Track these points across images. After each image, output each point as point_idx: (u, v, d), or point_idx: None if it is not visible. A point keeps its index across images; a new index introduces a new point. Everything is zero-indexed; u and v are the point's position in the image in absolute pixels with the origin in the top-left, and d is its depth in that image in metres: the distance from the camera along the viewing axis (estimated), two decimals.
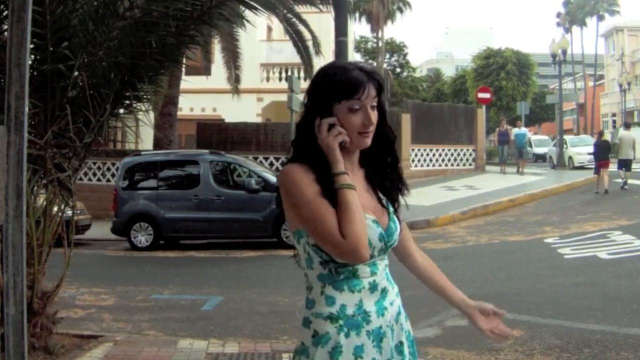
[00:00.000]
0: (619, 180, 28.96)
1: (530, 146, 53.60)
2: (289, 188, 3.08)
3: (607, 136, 30.90)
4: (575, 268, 13.70)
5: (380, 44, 68.58)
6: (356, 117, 3.08)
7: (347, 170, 3.10)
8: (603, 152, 28.61)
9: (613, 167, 29.64)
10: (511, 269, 14.14)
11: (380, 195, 3.28)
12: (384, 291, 3.18)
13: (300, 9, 30.44)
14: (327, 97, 3.10)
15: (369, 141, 3.13)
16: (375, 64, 71.02)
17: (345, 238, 2.93)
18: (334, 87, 3.10)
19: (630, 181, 28.64)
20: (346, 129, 3.08)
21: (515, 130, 37.96)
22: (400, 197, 3.37)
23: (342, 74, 3.10)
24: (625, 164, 28.95)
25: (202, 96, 37.26)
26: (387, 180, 3.32)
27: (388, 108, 27.14)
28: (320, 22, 38.10)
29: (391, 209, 3.28)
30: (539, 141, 61.78)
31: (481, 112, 40.47)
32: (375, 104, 3.12)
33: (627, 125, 34.32)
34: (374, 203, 3.22)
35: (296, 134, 3.25)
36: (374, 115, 3.11)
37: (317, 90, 3.17)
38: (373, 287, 3.13)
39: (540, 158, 56.31)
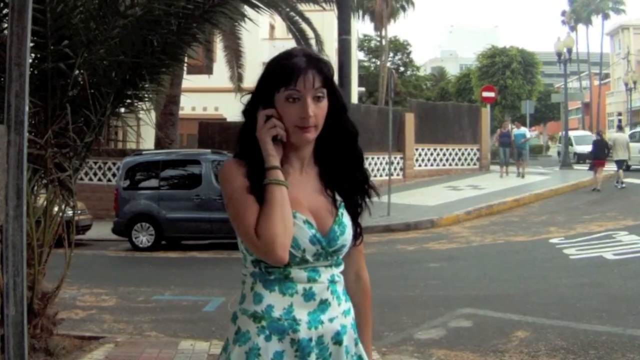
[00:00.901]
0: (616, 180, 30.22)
1: (571, 144, 51.51)
2: (221, 181, 2.97)
3: (622, 136, 32.31)
4: (581, 269, 13.70)
5: (383, 42, 68.60)
6: (294, 108, 2.89)
7: (293, 166, 3.00)
8: (600, 151, 30.32)
9: (611, 167, 31.07)
10: (516, 270, 14.13)
11: (337, 197, 3.06)
12: (324, 303, 2.94)
13: (303, 7, 30.44)
14: (267, 85, 2.95)
15: (310, 136, 2.92)
16: (378, 62, 71.23)
17: (259, 237, 2.76)
18: (272, 73, 2.94)
19: (633, 181, 28.85)
20: (284, 121, 2.90)
21: (514, 131, 37.90)
22: (364, 200, 3.15)
23: (283, 60, 2.94)
24: (620, 164, 30.46)
25: (204, 95, 37.32)
26: (347, 182, 3.10)
27: (392, 107, 27.16)
28: (324, 21, 38.10)
29: (340, 212, 3.03)
30: (580, 138, 55.69)
31: (486, 112, 40.45)
32: (320, 94, 2.90)
33: (619, 128, 38.69)
34: (320, 204, 3.01)
35: (241, 125, 3.10)
36: (315, 108, 2.89)
37: (260, 77, 3.01)
38: (309, 295, 2.91)
39: (584, 158, 46.67)
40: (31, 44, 5.40)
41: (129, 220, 20.44)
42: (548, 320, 9.83)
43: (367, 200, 3.15)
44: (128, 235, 20.53)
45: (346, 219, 3.02)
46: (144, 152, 23.26)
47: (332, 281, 2.98)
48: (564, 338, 8.88)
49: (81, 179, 24.03)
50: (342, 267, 3.07)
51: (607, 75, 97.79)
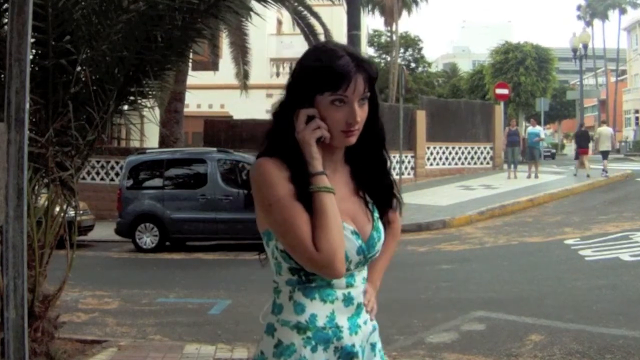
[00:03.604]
0: (599, 167, 34.28)
1: None
2: (260, 184, 2.83)
3: (606, 130, 36.77)
4: (597, 270, 13.66)
5: (394, 37, 68.42)
6: (340, 113, 2.81)
7: (328, 168, 2.89)
8: (583, 141, 35.41)
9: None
10: (530, 272, 14.09)
11: (368, 198, 3.04)
12: (360, 307, 2.95)
13: (311, 1, 30.50)
14: (309, 86, 2.83)
15: (353, 140, 2.87)
16: (389, 58, 71.09)
17: (320, 251, 2.69)
18: (316, 76, 2.82)
19: None
20: (328, 124, 2.82)
21: (529, 129, 37.79)
22: (392, 204, 3.16)
23: (328, 61, 2.81)
24: (604, 155, 34.41)
25: (209, 92, 37.33)
26: (377, 184, 3.07)
27: (402, 104, 27.16)
28: (332, 15, 38.12)
29: (376, 216, 3.02)
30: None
31: (499, 109, 40.40)
32: (365, 97, 2.85)
33: (604, 122, 41.65)
34: (357, 208, 2.98)
35: (273, 123, 2.97)
36: (361, 112, 2.84)
37: (299, 76, 2.90)
38: (348, 301, 2.91)
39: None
40: (32, 40, 5.40)
41: (133, 221, 20.44)
42: (563, 324, 9.81)
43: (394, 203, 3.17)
44: (131, 236, 20.55)
45: (380, 223, 3.02)
46: (147, 151, 23.23)
47: (363, 283, 3.02)
48: (579, 342, 8.86)
49: (83, 178, 24.03)
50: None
51: (623, 72, 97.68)
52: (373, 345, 3.03)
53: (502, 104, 41.36)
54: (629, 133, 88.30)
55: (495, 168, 38.50)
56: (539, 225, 21.10)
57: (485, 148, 38.56)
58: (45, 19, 7.06)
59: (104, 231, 22.46)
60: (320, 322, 2.84)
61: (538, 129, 37.23)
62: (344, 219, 2.84)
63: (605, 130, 36.19)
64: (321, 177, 2.79)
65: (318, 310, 2.85)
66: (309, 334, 2.82)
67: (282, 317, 2.88)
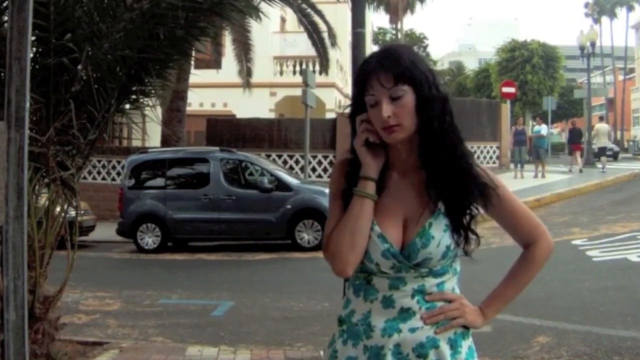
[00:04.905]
0: (600, 166, 36.98)
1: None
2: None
3: (604, 126, 39.79)
4: (605, 271, 13.66)
5: (399, 35, 68.64)
6: (375, 112, 2.87)
7: (397, 169, 3.01)
8: (575, 137, 37.89)
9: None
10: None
11: (440, 204, 2.96)
12: (406, 312, 2.92)
13: None
14: (356, 92, 2.99)
15: (395, 136, 2.87)
16: None
17: (325, 249, 2.96)
18: (355, 80, 3.02)
19: None
20: (373, 124, 2.91)
21: (535, 128, 37.80)
22: (470, 206, 3.02)
23: (361, 64, 2.98)
24: (601, 151, 37.38)
25: (212, 91, 37.28)
26: (450, 187, 2.96)
27: None
28: (337, 13, 38.15)
29: (428, 222, 2.93)
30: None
31: (506, 108, 40.38)
32: (400, 93, 2.84)
33: (601, 119, 44.33)
34: (412, 212, 2.97)
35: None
36: (395, 107, 2.84)
37: (353, 83, 3.11)
38: (388, 303, 2.93)
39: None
40: (32, 38, 5.40)
41: (134, 221, 20.44)
42: (570, 325, 9.82)
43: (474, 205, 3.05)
44: (133, 236, 20.55)
45: (436, 231, 2.94)
46: (149, 150, 23.29)
47: (420, 291, 2.96)
48: (587, 343, 8.86)
49: (84, 178, 24.07)
50: (446, 277, 3.02)
51: (632, 70, 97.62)
52: (424, 357, 2.92)
53: (508, 102, 41.36)
54: (637, 132, 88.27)
55: (501, 167, 38.42)
56: (546, 225, 20.76)
57: (491, 147, 38.50)
58: (46, 17, 7.06)
59: (105, 231, 22.46)
60: (355, 318, 2.98)
61: (543, 127, 37.24)
62: (382, 220, 2.94)
63: (603, 126, 38.68)
64: (364, 181, 2.93)
65: (358, 307, 2.99)
66: (344, 327, 3.01)
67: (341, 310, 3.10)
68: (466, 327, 3.04)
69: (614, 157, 52.48)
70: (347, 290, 3.10)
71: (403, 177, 3.01)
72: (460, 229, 3.00)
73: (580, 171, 35.17)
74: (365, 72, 2.92)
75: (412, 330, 2.91)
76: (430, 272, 2.97)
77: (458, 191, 2.97)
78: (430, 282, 2.97)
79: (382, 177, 3.00)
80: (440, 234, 2.94)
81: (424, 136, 2.94)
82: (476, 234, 3.10)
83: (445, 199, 2.97)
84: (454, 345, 2.96)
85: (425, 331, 2.92)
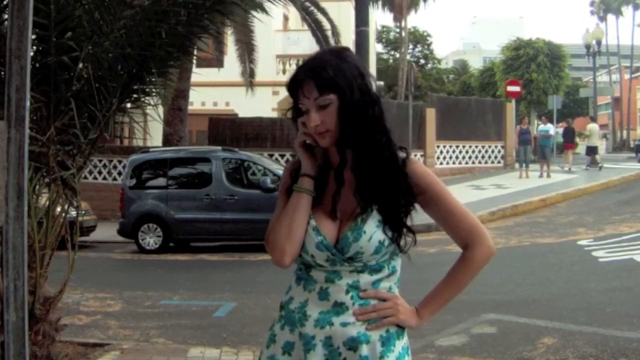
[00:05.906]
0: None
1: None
2: None
3: (596, 127, 41.35)
4: (611, 272, 13.64)
5: (403, 34, 68.37)
6: (306, 119, 3.08)
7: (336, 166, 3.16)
8: (569, 136, 39.65)
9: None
10: (542, 273, 14.07)
11: (373, 202, 3.08)
12: (340, 306, 3.06)
13: None
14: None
15: (325, 142, 3.08)
16: (398, 55, 71.13)
17: (265, 239, 3.19)
18: (287, 90, 3.18)
19: None
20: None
21: (540, 127, 37.82)
22: (401, 204, 3.11)
23: (291, 76, 3.15)
24: (593, 150, 39.04)
25: (214, 90, 37.25)
26: (379, 187, 3.08)
27: (412, 101, 27.10)
28: (340, 11, 38.19)
29: (361, 218, 3.06)
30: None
31: (511, 107, 40.40)
32: (326, 102, 3.02)
33: (592, 119, 44.98)
34: (349, 208, 3.11)
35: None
36: (323, 115, 3.02)
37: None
38: (323, 295, 3.10)
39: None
40: (33, 36, 5.40)
41: (136, 221, 20.41)
42: (576, 326, 9.80)
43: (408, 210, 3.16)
44: (134, 236, 20.52)
45: (368, 226, 3.05)
46: (151, 150, 23.26)
47: (355, 287, 3.09)
48: (593, 345, 8.85)
49: (85, 177, 24.09)
50: (382, 275, 3.13)
51: (638, 69, 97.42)
52: (354, 350, 3.04)
53: (513, 101, 41.35)
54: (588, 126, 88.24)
55: (506, 167, 38.47)
56: (552, 225, 21.07)
57: (496, 147, 38.54)
58: (46, 15, 7.06)
59: (106, 232, 22.47)
60: (293, 305, 3.18)
61: (549, 126, 37.21)
62: (319, 214, 3.15)
63: (595, 127, 40.63)
64: (302, 178, 3.16)
65: (297, 295, 3.20)
66: (283, 312, 3.24)
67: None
68: (401, 327, 3.16)
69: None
70: (292, 278, 3.28)
71: (344, 174, 3.15)
72: (394, 225, 3.10)
73: (569, 169, 36.81)
74: (294, 82, 3.09)
75: (344, 324, 3.05)
76: (366, 267, 3.09)
77: (387, 192, 3.09)
78: (365, 279, 3.10)
79: (326, 176, 3.19)
80: (372, 229, 3.05)
81: (348, 141, 3.09)
82: (412, 231, 3.19)
83: (377, 198, 3.09)
84: (386, 343, 3.08)
85: (356, 327, 3.04)
